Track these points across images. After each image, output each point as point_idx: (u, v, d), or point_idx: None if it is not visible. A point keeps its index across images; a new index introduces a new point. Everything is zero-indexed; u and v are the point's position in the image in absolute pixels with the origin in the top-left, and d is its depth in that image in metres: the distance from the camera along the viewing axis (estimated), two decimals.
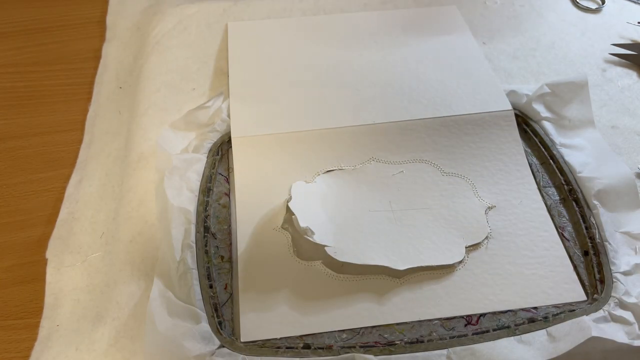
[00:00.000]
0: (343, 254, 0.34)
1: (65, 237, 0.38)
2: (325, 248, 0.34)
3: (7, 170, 0.43)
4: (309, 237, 0.34)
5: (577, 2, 0.58)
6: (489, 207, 0.38)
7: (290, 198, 0.37)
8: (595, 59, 0.51)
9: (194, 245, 0.35)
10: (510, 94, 0.45)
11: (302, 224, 0.35)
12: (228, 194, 0.39)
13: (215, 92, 0.47)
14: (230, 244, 0.36)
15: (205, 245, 0.36)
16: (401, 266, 0.34)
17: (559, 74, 0.49)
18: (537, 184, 0.40)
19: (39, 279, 0.36)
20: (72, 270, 0.36)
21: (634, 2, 0.58)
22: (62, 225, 0.39)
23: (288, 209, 0.36)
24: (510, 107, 0.44)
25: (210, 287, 0.34)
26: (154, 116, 0.44)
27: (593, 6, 0.58)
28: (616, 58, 0.51)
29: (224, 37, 0.52)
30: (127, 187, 0.40)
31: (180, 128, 0.41)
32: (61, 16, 0.57)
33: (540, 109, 0.44)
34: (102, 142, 0.44)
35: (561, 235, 0.37)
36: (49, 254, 0.37)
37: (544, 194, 0.40)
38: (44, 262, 0.37)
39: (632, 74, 0.50)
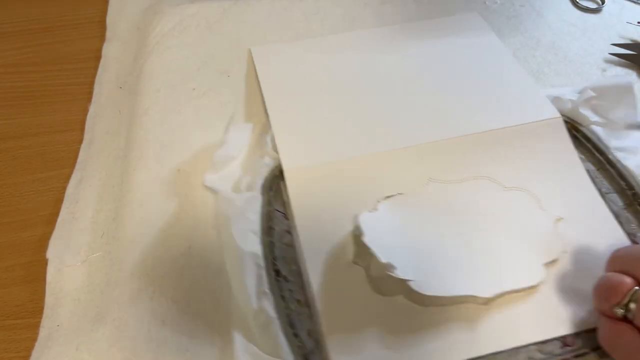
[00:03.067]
0: (428, 287, 0.32)
1: (65, 237, 0.38)
2: (409, 283, 0.32)
3: (7, 170, 0.43)
4: (391, 273, 0.32)
5: (577, 2, 0.58)
6: (557, 219, 0.37)
7: (362, 233, 0.35)
8: (595, 59, 0.51)
9: (269, 291, 0.33)
10: (555, 100, 0.44)
11: (383, 259, 0.33)
12: (289, 231, 0.37)
13: (215, 92, 0.47)
14: (303, 286, 0.34)
15: (280, 291, 0.34)
16: (487, 293, 0.32)
17: (559, 74, 0.49)
18: (599, 191, 0.39)
19: (39, 279, 0.36)
20: (72, 270, 0.36)
21: (634, 2, 0.58)
22: (62, 225, 0.39)
23: (359, 243, 0.35)
24: (558, 115, 0.43)
25: (295, 335, 0.32)
26: (154, 116, 0.44)
27: (593, 6, 0.58)
28: (616, 58, 0.51)
29: (224, 38, 0.52)
30: (127, 187, 0.40)
31: (218, 169, 0.40)
32: (61, 16, 0.57)
33: (588, 113, 0.43)
34: (102, 142, 0.44)
35: (633, 242, 0.36)
36: (49, 254, 0.37)
37: (607, 201, 0.38)
38: (44, 262, 0.37)
39: (632, 74, 0.50)
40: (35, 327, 0.34)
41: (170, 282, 0.34)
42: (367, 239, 0.34)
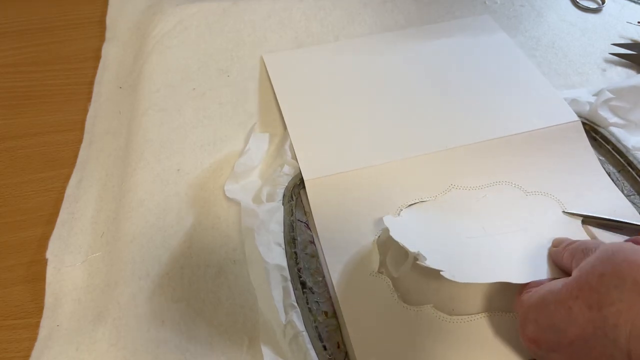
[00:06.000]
0: (460, 276, 0.32)
1: (65, 237, 0.38)
2: (441, 272, 0.31)
3: (7, 170, 0.43)
4: (421, 263, 0.32)
5: (577, 2, 0.58)
6: (582, 221, 0.37)
7: (389, 229, 0.34)
8: (595, 59, 0.51)
9: (296, 304, 0.33)
10: (572, 102, 0.44)
11: (412, 249, 0.32)
12: (312, 241, 0.37)
13: (215, 92, 0.47)
14: (330, 297, 0.34)
15: (307, 303, 0.34)
16: (524, 279, 0.32)
17: (559, 74, 0.49)
18: (621, 192, 0.39)
19: (39, 279, 0.36)
20: (72, 270, 0.36)
21: (634, 2, 0.58)
22: (62, 225, 0.39)
23: (385, 249, 0.34)
24: (576, 118, 0.43)
25: (325, 348, 0.32)
26: (154, 116, 0.44)
27: (593, 6, 0.58)
28: (616, 58, 0.51)
29: (224, 38, 0.52)
30: (127, 187, 0.40)
31: (239, 179, 0.39)
32: (61, 16, 0.57)
33: (607, 114, 0.43)
34: (102, 142, 0.44)
35: None
36: (49, 254, 0.37)
37: (632, 203, 0.38)
38: (44, 262, 0.37)
39: (632, 73, 0.50)
40: (35, 327, 0.34)
41: (170, 282, 0.34)
42: (394, 234, 0.33)
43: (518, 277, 0.32)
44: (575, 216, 0.37)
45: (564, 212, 0.38)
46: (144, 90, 0.47)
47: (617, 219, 0.36)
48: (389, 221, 0.35)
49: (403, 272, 0.34)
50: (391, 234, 0.34)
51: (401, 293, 0.34)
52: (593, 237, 0.36)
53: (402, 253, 0.34)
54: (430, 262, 0.32)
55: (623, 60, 0.51)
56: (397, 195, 0.39)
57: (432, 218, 0.37)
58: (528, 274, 0.32)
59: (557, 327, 0.27)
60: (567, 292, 0.27)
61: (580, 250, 0.31)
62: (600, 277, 0.26)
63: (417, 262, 0.32)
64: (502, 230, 0.36)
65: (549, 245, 0.35)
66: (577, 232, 0.36)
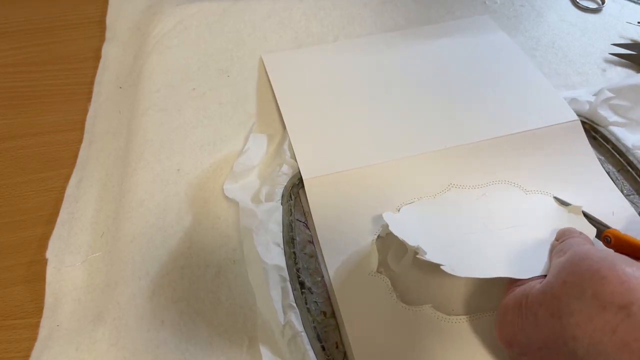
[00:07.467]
0: (462, 269, 0.31)
1: (65, 237, 0.38)
2: (441, 267, 0.31)
3: (7, 170, 0.43)
4: (421, 256, 0.32)
5: (577, 2, 0.58)
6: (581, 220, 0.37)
7: (387, 225, 0.34)
8: (595, 59, 0.51)
9: (295, 305, 0.33)
10: (572, 102, 0.44)
11: (412, 243, 0.32)
12: (311, 241, 0.37)
13: (214, 92, 0.47)
14: (328, 297, 0.34)
15: (306, 303, 0.34)
16: (526, 275, 0.31)
17: (559, 74, 0.49)
18: (621, 192, 0.39)
19: (39, 279, 0.36)
20: (72, 270, 0.36)
21: (634, 2, 0.58)
22: (62, 225, 0.39)
23: (383, 247, 0.34)
24: (576, 117, 0.43)
25: (323, 349, 0.32)
26: (154, 116, 0.44)
27: (593, 6, 0.58)
28: (616, 58, 0.51)
29: (224, 38, 0.52)
30: (127, 187, 0.40)
31: (238, 179, 0.39)
32: (61, 16, 0.57)
33: (607, 113, 0.43)
34: (102, 142, 0.44)
35: None
36: (49, 254, 0.37)
37: (631, 202, 0.38)
38: (44, 262, 0.37)
39: (632, 73, 0.50)
40: (35, 327, 0.34)
41: (170, 282, 0.34)
42: (394, 229, 0.33)
43: (519, 272, 0.32)
44: (565, 205, 0.37)
45: (554, 197, 0.38)
46: (144, 90, 0.47)
47: (600, 221, 0.36)
48: (389, 217, 0.35)
49: (403, 267, 0.34)
50: (390, 228, 0.33)
51: (400, 293, 0.34)
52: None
53: (402, 249, 0.34)
54: (430, 256, 0.32)
55: (623, 61, 0.51)
56: (397, 194, 0.38)
57: (431, 215, 0.37)
58: (529, 269, 0.32)
59: (527, 331, 0.27)
60: (535, 297, 0.27)
61: (557, 251, 0.31)
62: (563, 284, 0.26)
63: (417, 256, 0.32)
64: (503, 226, 0.36)
65: (551, 239, 0.35)
66: (578, 226, 0.36)
